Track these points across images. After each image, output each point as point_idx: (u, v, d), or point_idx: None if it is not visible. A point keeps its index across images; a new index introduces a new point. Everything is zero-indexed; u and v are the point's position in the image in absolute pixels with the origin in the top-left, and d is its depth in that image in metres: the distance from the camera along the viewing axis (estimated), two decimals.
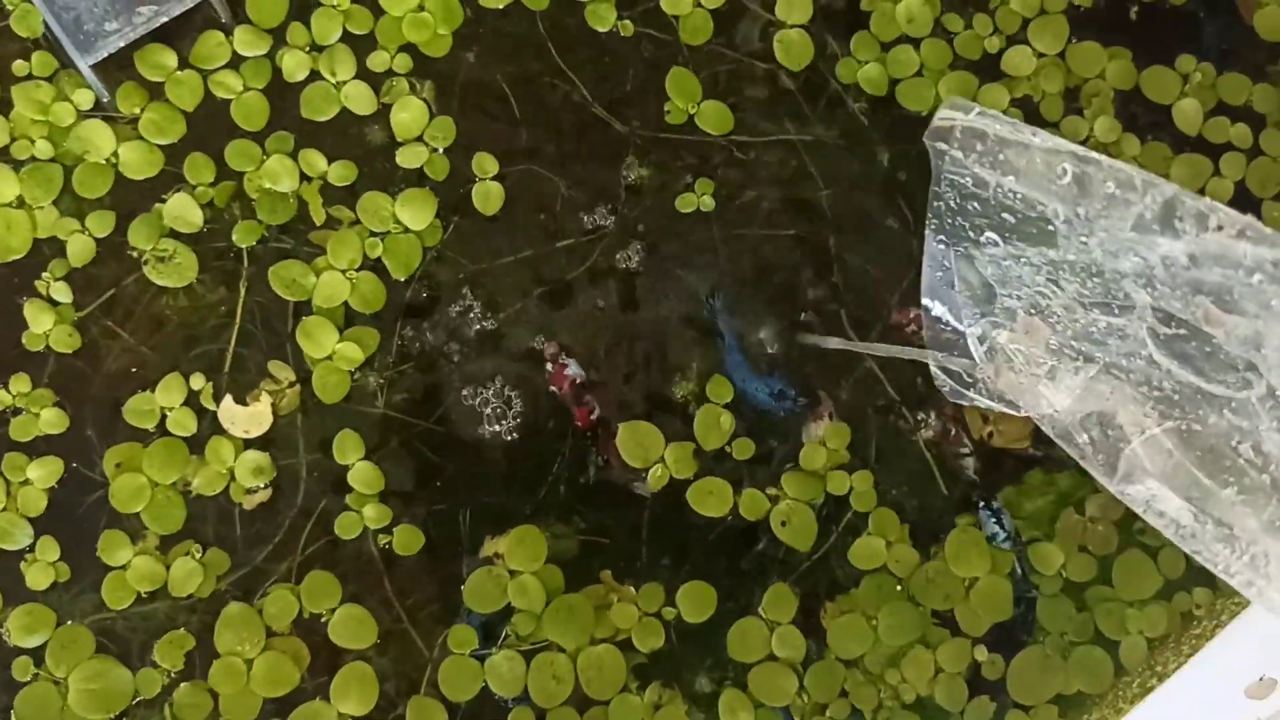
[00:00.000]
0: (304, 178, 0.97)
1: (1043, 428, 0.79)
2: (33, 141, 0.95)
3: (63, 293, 0.93)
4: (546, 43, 1.01)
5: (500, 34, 1.01)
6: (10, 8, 0.95)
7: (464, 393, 0.97)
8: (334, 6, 0.98)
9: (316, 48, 0.98)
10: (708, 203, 0.99)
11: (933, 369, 0.87)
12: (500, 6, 1.00)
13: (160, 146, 0.96)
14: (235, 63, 0.97)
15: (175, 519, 0.92)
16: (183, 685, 0.90)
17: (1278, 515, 0.70)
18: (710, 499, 0.95)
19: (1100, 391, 0.73)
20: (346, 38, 0.98)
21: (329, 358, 0.94)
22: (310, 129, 0.98)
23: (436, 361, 0.97)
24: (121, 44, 0.94)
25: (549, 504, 0.97)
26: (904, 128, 1.03)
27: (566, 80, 1.01)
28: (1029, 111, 1.04)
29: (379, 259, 0.96)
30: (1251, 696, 0.86)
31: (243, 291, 0.96)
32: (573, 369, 0.96)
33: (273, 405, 0.95)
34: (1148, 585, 0.99)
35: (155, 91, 0.97)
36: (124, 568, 0.91)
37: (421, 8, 0.98)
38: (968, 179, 0.76)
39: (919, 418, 1.00)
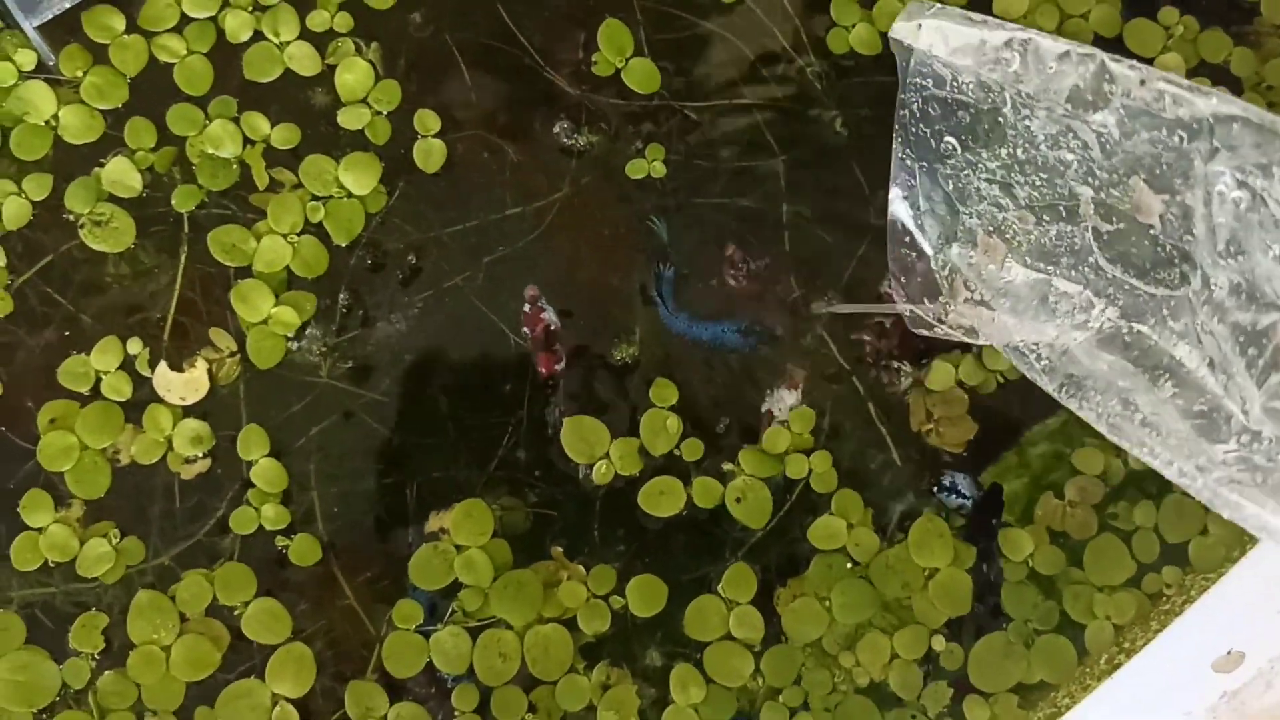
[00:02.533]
0: (246, 141, 0.94)
1: (1001, 351, 0.77)
2: None
3: None
4: (495, 3, 0.98)
5: None
6: None
7: (410, 361, 0.94)
8: None
9: (259, 7, 0.95)
10: (658, 169, 0.96)
11: (900, 305, 0.85)
12: None
13: (102, 111, 0.93)
14: (182, 24, 0.95)
15: (99, 485, 0.89)
16: (106, 674, 0.87)
17: (1203, 409, 0.69)
18: (662, 499, 0.93)
19: (1052, 312, 0.72)
20: None
21: (264, 322, 0.92)
22: (254, 91, 0.96)
23: (382, 330, 0.94)
24: (67, 4, 0.93)
25: (500, 477, 0.94)
26: (859, 92, 0.99)
27: (516, 44, 0.98)
28: None
29: (321, 223, 0.94)
30: (1219, 670, 0.82)
31: (183, 258, 0.94)
32: (549, 315, 0.95)
33: (211, 373, 0.92)
34: (1120, 571, 0.95)
35: (99, 54, 0.94)
36: (40, 530, 0.89)
37: None
38: (929, 80, 0.76)
39: (873, 377, 0.96)
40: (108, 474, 0.91)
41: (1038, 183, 0.74)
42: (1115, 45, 1.01)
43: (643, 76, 0.96)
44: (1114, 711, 0.86)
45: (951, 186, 0.79)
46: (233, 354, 0.93)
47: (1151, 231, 0.69)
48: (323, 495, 0.94)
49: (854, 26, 1.00)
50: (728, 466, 0.94)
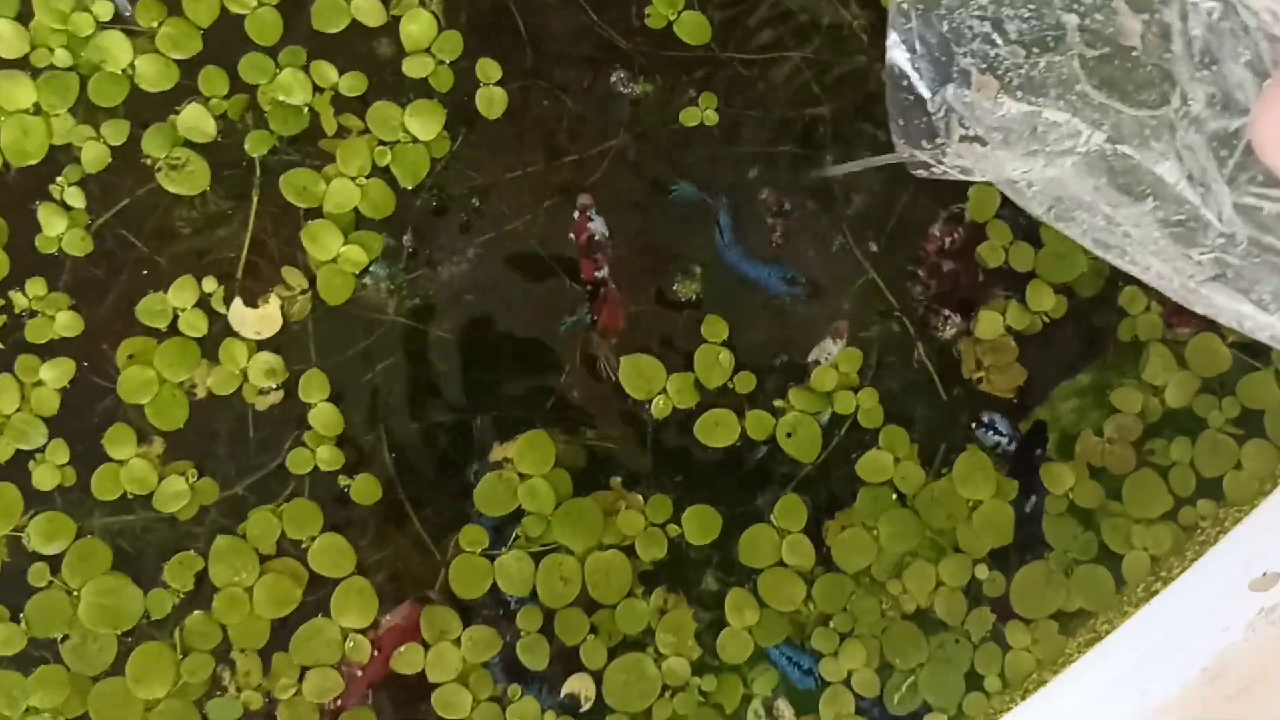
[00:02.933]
0: (316, 89, 0.98)
1: (995, 184, 0.82)
2: (51, 50, 0.96)
3: (76, 198, 0.95)
4: None
5: None
6: None
7: (472, 301, 0.98)
8: None
9: None
10: (711, 117, 1.00)
11: (898, 147, 0.89)
12: None
13: (176, 61, 0.97)
14: None
15: (177, 417, 0.94)
16: (194, 615, 0.92)
17: (1181, 218, 0.72)
18: (717, 430, 0.97)
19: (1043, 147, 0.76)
20: None
21: (334, 260, 0.95)
22: (321, 41, 0.99)
23: (445, 270, 0.98)
24: None
25: (558, 411, 0.98)
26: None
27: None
28: None
29: (387, 167, 0.97)
30: (1255, 589, 0.86)
31: (255, 200, 0.97)
32: (597, 225, 0.98)
33: (284, 309, 0.96)
34: (1157, 505, 0.99)
35: (174, 6, 0.98)
36: (122, 463, 0.93)
37: None
38: None
39: (922, 323, 0.99)
40: (185, 406, 0.95)
41: (1026, 14, 0.78)
42: None
43: (694, 28, 1.00)
44: (1153, 631, 0.90)
45: (946, 27, 0.81)
46: (304, 291, 0.97)
47: (1134, 53, 0.72)
48: (390, 428, 0.98)
49: None
50: (779, 403, 0.97)
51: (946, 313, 1.00)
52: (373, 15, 0.99)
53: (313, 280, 0.97)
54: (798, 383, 0.99)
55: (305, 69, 0.98)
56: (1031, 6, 0.77)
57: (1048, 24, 0.77)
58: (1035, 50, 0.77)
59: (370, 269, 0.97)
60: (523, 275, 0.99)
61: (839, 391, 0.98)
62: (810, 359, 0.99)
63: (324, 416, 0.94)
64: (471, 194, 0.99)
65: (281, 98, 0.97)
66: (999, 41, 0.78)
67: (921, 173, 0.87)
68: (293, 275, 0.97)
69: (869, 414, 0.98)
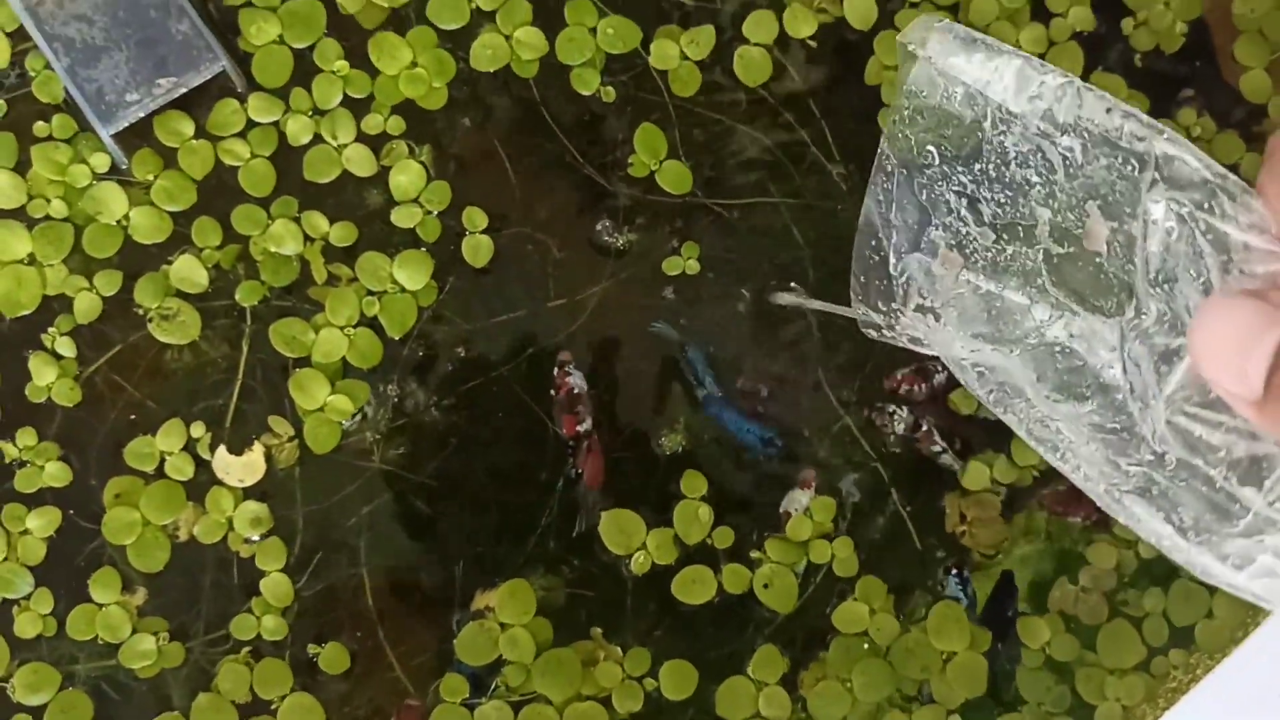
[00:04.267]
0: (307, 239, 1.00)
1: (949, 366, 0.83)
2: (48, 201, 0.98)
3: (67, 347, 0.97)
4: (539, 106, 1.04)
5: (494, 99, 1.04)
6: (33, 74, 0.99)
7: (456, 447, 1.00)
8: (334, 72, 1.01)
9: (319, 112, 1.01)
10: (693, 266, 1.02)
11: (854, 304, 0.90)
12: (492, 70, 1.03)
13: (170, 212, 0.99)
14: (247, 129, 1.01)
15: (158, 559, 0.95)
16: None
17: (1116, 427, 0.74)
18: (695, 588, 0.98)
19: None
20: (347, 101, 1.02)
21: (321, 409, 0.97)
22: (313, 191, 1.01)
23: (431, 417, 1.00)
24: (141, 114, 0.98)
25: (539, 556, 1.00)
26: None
27: (558, 143, 1.04)
28: None
29: (375, 317, 0.99)
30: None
31: (245, 349, 0.99)
32: (576, 379, 1.00)
33: (270, 457, 0.98)
34: (1130, 655, 1.00)
35: (169, 158, 1.00)
36: (101, 606, 0.95)
37: (415, 64, 1.01)
38: (923, 88, 0.81)
39: (890, 476, 1.01)
40: (167, 549, 0.96)
41: (1002, 200, 0.79)
42: None
43: (675, 177, 1.02)
44: None
45: (925, 196, 0.83)
46: (291, 439, 0.99)
47: (1097, 260, 0.71)
48: (372, 571, 0.99)
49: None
50: (755, 554, 0.99)
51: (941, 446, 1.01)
52: (364, 166, 1.01)
53: (299, 428, 0.98)
54: (774, 532, 1.00)
55: (297, 219, 1.00)
56: (1009, 193, 0.78)
57: (1021, 213, 0.79)
58: (1005, 237, 0.79)
59: (356, 417, 0.99)
60: (506, 422, 1.01)
61: (814, 541, 0.99)
62: (781, 509, 1.00)
63: (277, 586, 0.96)
64: (457, 341, 1.01)
65: (273, 248, 1.00)
66: (971, 221, 0.80)
67: (871, 333, 0.88)
68: (279, 424, 0.98)
69: (844, 563, 1.00)
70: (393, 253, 1.01)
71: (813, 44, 1.06)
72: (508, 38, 1.03)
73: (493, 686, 0.96)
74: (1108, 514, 0.97)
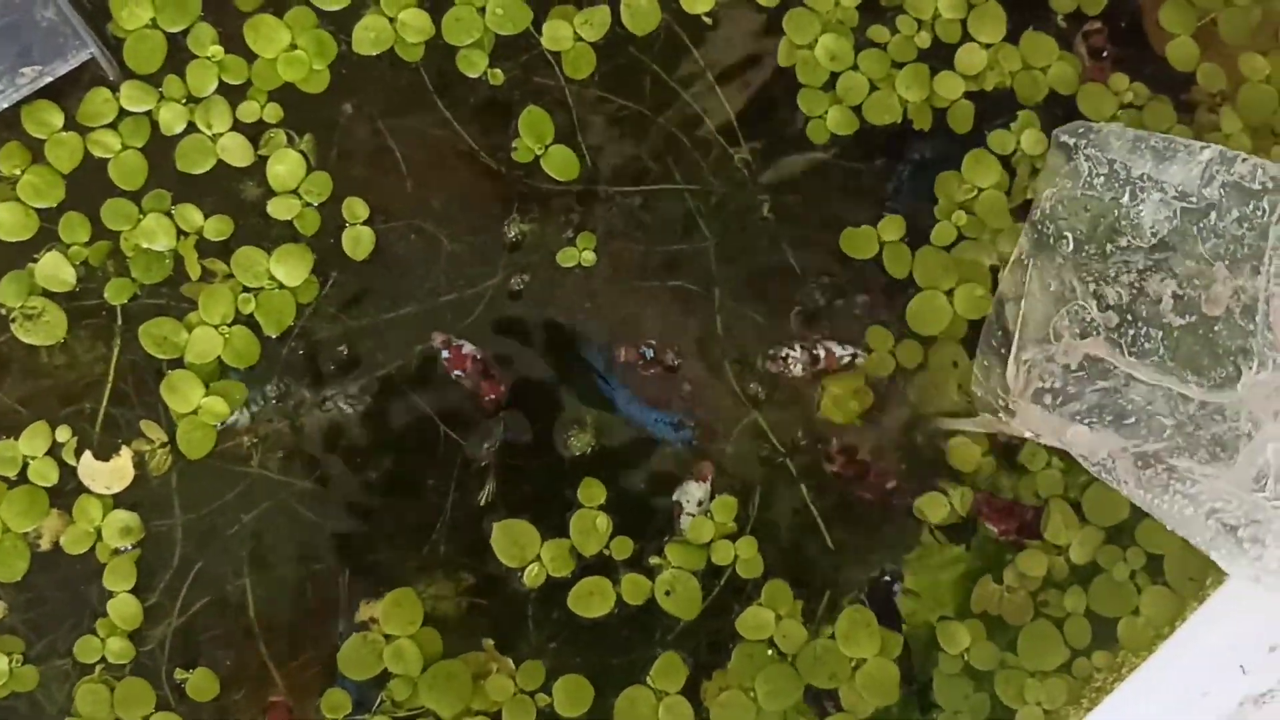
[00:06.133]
0: (180, 234, 0.95)
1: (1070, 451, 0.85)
2: None
3: None
4: (429, 91, 0.99)
5: (379, 83, 0.99)
6: None
7: (342, 449, 0.95)
8: (209, 57, 0.96)
9: (193, 99, 0.96)
10: (589, 258, 0.97)
11: (975, 389, 0.88)
12: (375, 53, 0.98)
13: (37, 209, 0.94)
14: (118, 119, 0.96)
15: (16, 569, 0.91)
16: None
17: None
18: (592, 600, 0.94)
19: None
20: (223, 88, 0.97)
21: (194, 412, 0.92)
22: (187, 183, 0.97)
23: (313, 419, 0.95)
24: (4, 105, 0.93)
25: (432, 563, 0.95)
26: (783, 176, 1.00)
27: (450, 130, 0.99)
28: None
29: (252, 314, 0.95)
30: None
31: (116, 350, 0.94)
32: (469, 347, 0.95)
33: (142, 463, 0.93)
34: (1052, 657, 0.96)
35: (36, 151, 0.95)
36: None
37: (294, 46, 0.96)
38: (1067, 179, 0.84)
39: (799, 470, 0.96)
40: (26, 557, 0.91)
41: (1129, 280, 0.80)
42: (1069, 107, 1.02)
43: (561, 164, 0.97)
44: None
45: (1054, 286, 0.85)
46: (164, 444, 0.94)
47: (1215, 328, 0.76)
48: (255, 582, 0.94)
49: (825, 114, 1.01)
50: (654, 560, 0.94)
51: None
52: (240, 156, 0.97)
53: (173, 432, 0.93)
54: (671, 533, 0.95)
55: (169, 213, 0.96)
56: (1137, 272, 0.80)
57: (1147, 294, 0.79)
58: (1129, 317, 0.80)
59: (233, 420, 0.94)
60: (395, 424, 0.96)
61: (717, 542, 0.94)
62: (674, 498, 0.95)
63: (123, 608, 0.91)
64: (341, 339, 0.96)
65: (145, 244, 0.95)
66: (1095, 307, 0.82)
67: (991, 426, 0.87)
68: (151, 428, 0.93)
69: (748, 565, 0.95)
70: (270, 247, 0.96)
71: (707, 20, 1.01)
72: (391, 20, 0.98)
73: (378, 701, 0.91)
74: (1029, 532, 0.93)
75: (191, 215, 0.96)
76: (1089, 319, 0.82)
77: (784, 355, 0.96)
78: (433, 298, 0.98)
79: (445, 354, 0.95)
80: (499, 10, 0.99)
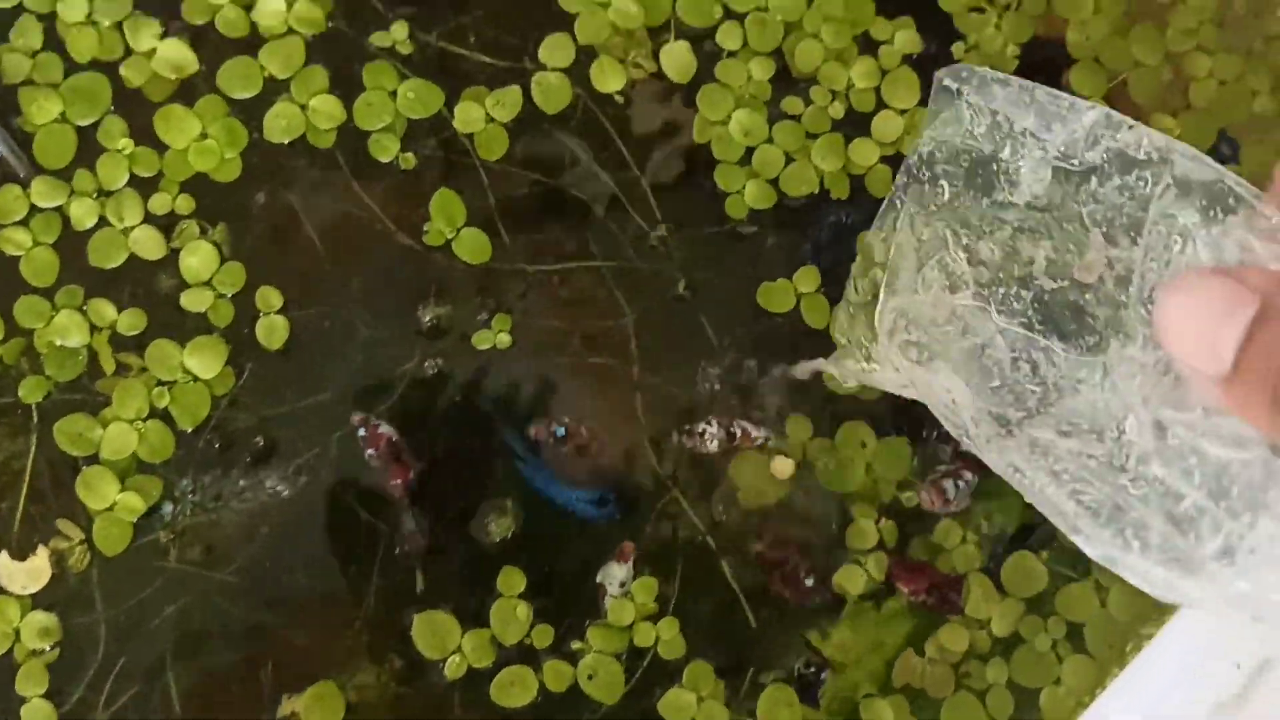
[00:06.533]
0: (94, 329, 0.95)
1: (928, 404, 0.81)
2: None
3: None
4: (344, 174, 0.99)
5: (292, 169, 0.99)
6: None
7: (261, 540, 0.95)
8: (119, 150, 0.96)
9: (104, 193, 0.96)
10: (504, 340, 0.97)
11: (836, 337, 0.88)
12: (287, 140, 0.98)
13: None
14: (29, 215, 0.96)
15: None
16: None
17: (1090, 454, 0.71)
18: (514, 691, 0.94)
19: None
20: (134, 181, 0.97)
21: (110, 509, 0.92)
22: (99, 277, 0.96)
23: (230, 511, 0.95)
24: None
25: (356, 651, 0.95)
26: (700, 252, 1.01)
27: (368, 213, 0.99)
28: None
29: (166, 408, 0.94)
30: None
31: (32, 448, 0.94)
32: (385, 428, 0.95)
33: (61, 561, 0.93)
34: None
35: None
36: None
37: (205, 135, 0.96)
38: (948, 127, 0.79)
39: (719, 546, 0.96)
40: None
41: (1002, 237, 0.77)
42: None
43: (473, 247, 0.98)
44: None
45: (927, 235, 0.81)
46: (81, 542, 0.93)
47: (1086, 296, 0.71)
48: (179, 677, 0.94)
49: (743, 189, 1.01)
50: (577, 644, 0.94)
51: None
52: (152, 249, 0.97)
53: (90, 529, 0.93)
54: (596, 615, 0.96)
55: (82, 309, 0.95)
56: (1011, 229, 0.76)
57: (1020, 251, 0.78)
58: (1001, 275, 0.77)
59: (150, 515, 0.94)
60: (314, 512, 0.96)
61: (638, 624, 0.94)
62: (597, 579, 0.95)
63: (35, 713, 0.91)
64: (257, 429, 0.96)
65: (58, 340, 0.95)
66: (965, 260, 0.80)
67: (849, 379, 0.86)
68: (67, 526, 0.93)
69: (669, 645, 0.95)
70: (184, 339, 0.96)
71: (619, 99, 1.01)
72: (303, 107, 0.98)
73: None
74: (942, 596, 0.94)
75: (105, 310, 0.95)
76: (959, 272, 0.79)
77: (700, 431, 0.96)
78: (350, 384, 0.98)
79: (362, 432, 0.95)
80: (410, 94, 0.99)
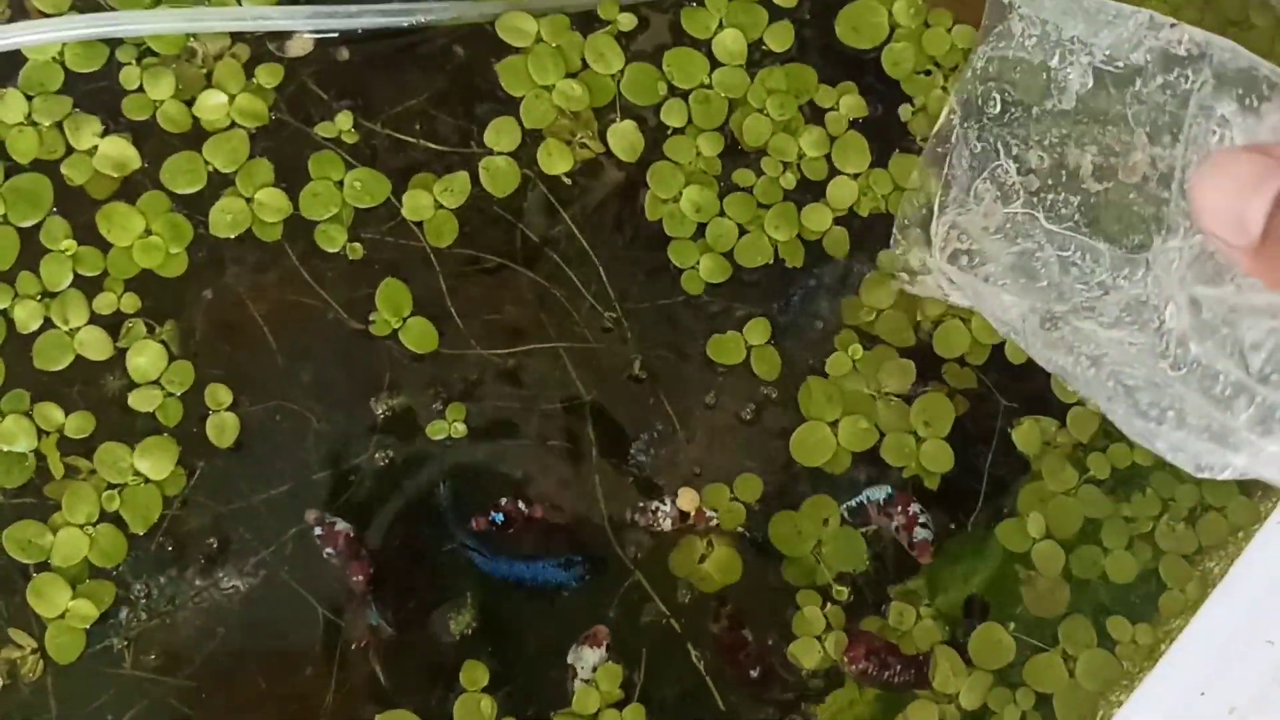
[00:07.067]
0: (41, 433, 0.94)
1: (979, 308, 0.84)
2: None
3: None
4: (293, 266, 0.98)
5: (240, 262, 0.98)
6: None
7: (218, 642, 0.94)
8: (62, 251, 0.95)
9: (48, 295, 0.95)
10: (459, 429, 0.96)
11: (893, 248, 0.93)
12: (233, 235, 0.97)
13: None
14: None
15: None
16: None
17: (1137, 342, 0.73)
18: None
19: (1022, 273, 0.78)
20: (78, 281, 0.96)
21: (62, 616, 0.91)
22: (46, 380, 0.95)
23: (185, 613, 0.94)
24: None
25: None
26: (655, 329, 1.00)
27: (318, 303, 0.98)
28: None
29: (117, 511, 0.93)
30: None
31: None
32: (342, 524, 0.95)
33: (13, 670, 0.91)
34: None
35: None
36: None
37: (149, 231, 0.95)
38: (1000, 39, 0.81)
39: (684, 628, 0.96)
40: None
41: (1051, 142, 0.79)
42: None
43: (419, 336, 0.97)
44: None
45: (980, 148, 0.83)
46: (34, 651, 0.92)
47: (1131, 195, 0.73)
48: None
49: (697, 265, 1.01)
50: None
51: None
52: (98, 349, 0.96)
53: (42, 638, 0.92)
54: (564, 700, 0.94)
55: (29, 413, 0.94)
56: (1062, 133, 0.79)
57: (1068, 158, 0.78)
58: (1050, 181, 0.79)
59: (103, 621, 0.92)
60: (272, 610, 0.95)
61: (604, 712, 0.93)
62: (568, 661, 0.94)
63: None
64: (210, 530, 0.95)
65: (4, 446, 0.93)
66: (1015, 170, 0.82)
67: (904, 283, 0.86)
68: (19, 635, 0.92)
69: None
70: (133, 440, 0.94)
71: (568, 180, 1.01)
72: (249, 200, 0.98)
73: None
74: (883, 662, 0.93)
75: (52, 413, 0.94)
76: (1010, 182, 0.81)
77: (653, 509, 0.96)
78: (303, 479, 0.97)
79: (319, 530, 0.94)
80: (357, 184, 0.98)
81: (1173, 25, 0.70)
